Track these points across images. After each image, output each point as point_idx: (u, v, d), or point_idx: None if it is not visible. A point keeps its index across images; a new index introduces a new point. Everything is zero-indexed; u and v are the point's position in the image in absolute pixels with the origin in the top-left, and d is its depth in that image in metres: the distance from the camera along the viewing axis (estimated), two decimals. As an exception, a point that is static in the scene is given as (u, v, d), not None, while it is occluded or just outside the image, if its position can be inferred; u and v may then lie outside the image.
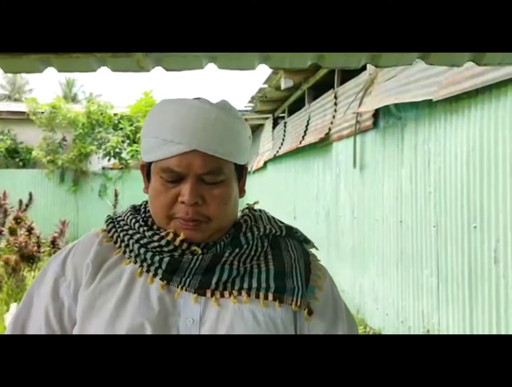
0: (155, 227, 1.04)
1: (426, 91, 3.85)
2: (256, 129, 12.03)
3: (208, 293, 0.99)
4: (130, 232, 1.04)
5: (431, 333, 3.99)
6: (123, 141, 13.21)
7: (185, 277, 0.99)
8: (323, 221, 6.73)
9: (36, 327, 1.04)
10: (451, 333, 3.70)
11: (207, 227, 1.00)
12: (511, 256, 3.06)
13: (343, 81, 6.29)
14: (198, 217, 0.98)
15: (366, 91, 5.23)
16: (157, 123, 1.00)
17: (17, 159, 13.56)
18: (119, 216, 1.11)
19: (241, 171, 1.07)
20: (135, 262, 1.02)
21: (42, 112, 12.91)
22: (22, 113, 13.43)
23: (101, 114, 13.05)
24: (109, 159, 13.19)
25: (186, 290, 0.99)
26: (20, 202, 7.20)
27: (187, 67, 1.66)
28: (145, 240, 1.02)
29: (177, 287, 0.99)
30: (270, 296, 0.99)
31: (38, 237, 5.33)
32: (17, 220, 5.53)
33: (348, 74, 5.94)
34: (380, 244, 4.98)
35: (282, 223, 1.12)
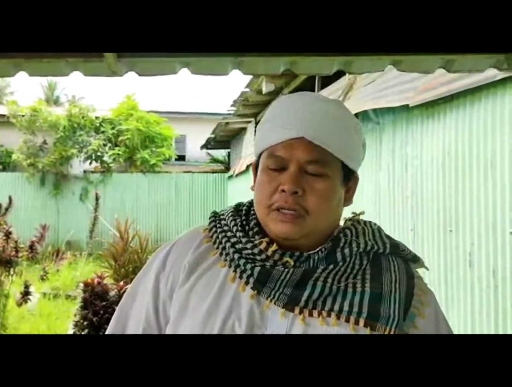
0: (251, 233, 1.03)
1: (403, 97, 3.90)
2: (239, 133, 12.04)
3: (297, 310, 0.96)
4: (229, 234, 1.04)
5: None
6: (104, 145, 13.12)
7: (275, 289, 0.97)
8: (304, 225, 6.74)
9: (137, 319, 1.08)
10: (427, 335, 3.74)
11: (303, 221, 0.97)
12: (485, 259, 3.10)
13: (323, 86, 6.33)
14: (296, 207, 0.96)
15: (346, 96, 5.28)
16: (273, 112, 1.03)
17: (-3, 163, 13.41)
18: (222, 214, 1.10)
19: (349, 176, 1.04)
20: (230, 266, 1.02)
21: (23, 115, 12.78)
22: (2, 116, 13.29)
23: (83, 117, 12.96)
24: (90, 163, 13.10)
25: (275, 304, 0.97)
26: (-1, 205, 7.12)
27: (160, 72, 1.67)
28: (240, 245, 1.01)
29: (267, 299, 0.98)
30: (361, 322, 0.95)
31: (16, 242, 5.27)
32: (-5, 224, 5.47)
33: (328, 79, 5.97)
34: (359, 248, 5.01)
35: (388, 238, 1.05)
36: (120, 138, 13.19)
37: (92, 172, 13.18)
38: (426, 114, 3.77)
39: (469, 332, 3.24)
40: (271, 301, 0.97)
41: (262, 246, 0.99)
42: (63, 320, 6.18)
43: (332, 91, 5.84)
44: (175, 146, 15.30)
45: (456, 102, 3.40)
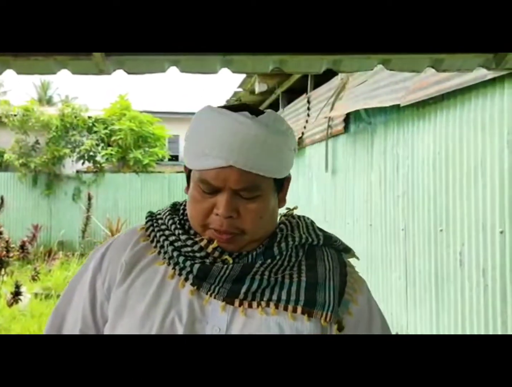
0: (191, 231, 1.05)
1: (394, 97, 3.91)
2: (232, 133, 12.02)
3: (236, 303, 0.99)
4: (167, 232, 1.06)
5: (399, 334, 4.03)
6: (97, 145, 13.08)
7: (214, 284, 1.00)
8: (297, 225, 6.75)
9: (73, 319, 1.07)
10: (418, 334, 3.75)
11: (241, 239, 1.00)
12: (475, 258, 3.12)
13: (316, 86, 6.33)
14: (232, 229, 0.99)
15: (338, 96, 5.29)
16: (199, 132, 1.00)
17: (-11, 162, 13.33)
18: (159, 214, 1.12)
19: (282, 183, 1.06)
20: (169, 264, 1.03)
21: (15, 115, 12.72)
22: (-6, 115, 13.21)
23: (75, 117, 12.91)
24: (83, 163, 13.05)
25: (215, 298, 1.00)
26: (-9, 205, 7.09)
27: (148, 70, 1.67)
28: (179, 243, 1.03)
29: (207, 293, 1.00)
30: (299, 309, 0.99)
31: (7, 241, 5.25)
32: (-14, 224, 5.45)
33: (321, 79, 5.98)
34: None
35: (321, 231, 1.10)
36: (113, 138, 13.15)
37: (85, 172, 13.13)
38: (417, 115, 3.79)
39: (459, 331, 3.26)
40: (211, 295, 1.00)
41: (203, 243, 1.01)
42: (55, 321, 6.14)
43: (324, 91, 5.85)
44: (168, 146, 15.28)
45: (446, 102, 3.42)
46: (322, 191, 5.82)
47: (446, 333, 3.41)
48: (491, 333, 2.94)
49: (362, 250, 4.77)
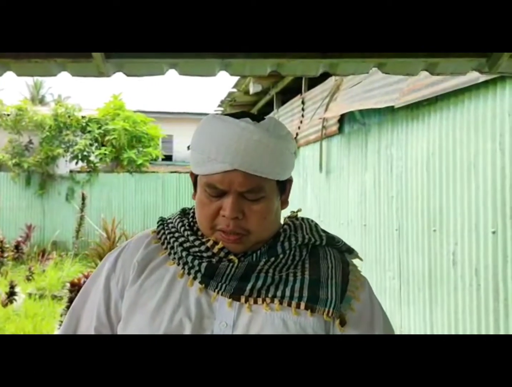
0: (199, 232, 1.10)
1: (388, 98, 3.95)
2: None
3: (242, 299, 1.03)
4: (176, 234, 1.11)
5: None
6: (91, 144, 13.04)
7: (221, 282, 1.04)
8: (291, 225, 6.78)
9: (88, 318, 1.13)
10: (412, 333, 3.79)
11: (246, 240, 1.05)
12: (468, 258, 3.15)
13: (310, 86, 6.36)
14: (238, 230, 1.03)
15: (332, 97, 5.32)
16: (204, 139, 1.04)
17: (-18, 162, 13.26)
18: (169, 218, 1.17)
19: (284, 185, 1.10)
20: (178, 264, 1.09)
21: (8, 115, 12.66)
22: (-13, 115, 13.13)
23: (69, 116, 12.87)
24: (76, 163, 13.01)
25: (222, 295, 1.04)
26: (-16, 205, 7.06)
27: (148, 73, 1.68)
28: (188, 244, 1.08)
29: (214, 291, 1.05)
30: (302, 305, 1.02)
31: (1, 242, 5.24)
32: (-20, 224, 5.43)
33: (315, 80, 6.01)
34: (345, 247, 5.05)
35: (324, 232, 1.14)
36: (106, 138, 13.12)
37: (78, 172, 13.09)
38: (411, 116, 3.82)
39: (452, 329, 3.30)
40: (218, 293, 1.04)
41: (209, 244, 1.06)
42: (49, 321, 6.14)
43: (319, 92, 5.88)
44: (162, 146, 15.27)
45: (440, 104, 3.45)
46: (317, 191, 5.85)
47: (440, 331, 3.45)
48: (483, 331, 2.98)
49: (356, 250, 4.80)
